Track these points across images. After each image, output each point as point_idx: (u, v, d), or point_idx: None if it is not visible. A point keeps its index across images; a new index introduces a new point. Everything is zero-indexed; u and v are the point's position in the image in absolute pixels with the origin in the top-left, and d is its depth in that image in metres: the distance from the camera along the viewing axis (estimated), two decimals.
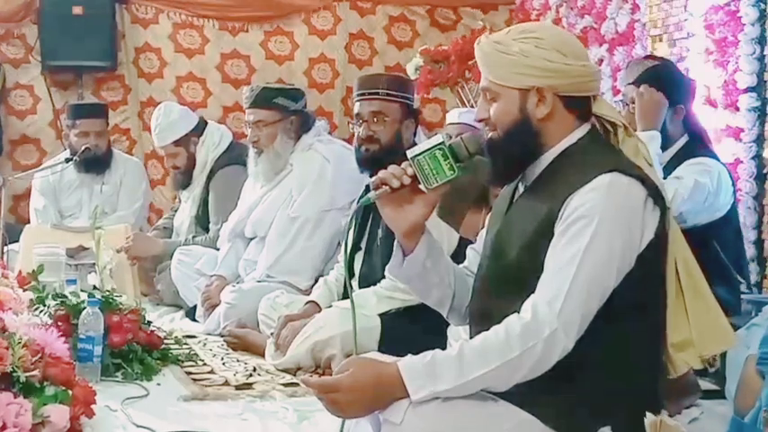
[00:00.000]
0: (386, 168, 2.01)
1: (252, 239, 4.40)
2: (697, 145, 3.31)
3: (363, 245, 3.66)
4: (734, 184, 3.35)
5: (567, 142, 1.99)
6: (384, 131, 3.60)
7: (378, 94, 3.61)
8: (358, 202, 3.68)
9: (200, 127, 4.96)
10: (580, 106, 2.00)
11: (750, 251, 4.09)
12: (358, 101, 3.67)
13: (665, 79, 3.31)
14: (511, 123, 1.98)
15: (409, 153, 1.99)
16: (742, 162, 4.15)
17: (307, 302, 3.75)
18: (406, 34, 6.81)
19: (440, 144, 1.97)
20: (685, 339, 1.96)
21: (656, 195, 1.91)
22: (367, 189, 3.52)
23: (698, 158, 3.21)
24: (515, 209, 2.04)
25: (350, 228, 2.04)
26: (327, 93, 6.69)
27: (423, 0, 6.80)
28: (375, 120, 3.60)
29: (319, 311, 3.62)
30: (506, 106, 1.98)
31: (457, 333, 2.89)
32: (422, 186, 1.98)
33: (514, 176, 2.07)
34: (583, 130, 2.00)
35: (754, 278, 4.09)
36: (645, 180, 1.90)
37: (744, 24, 4.13)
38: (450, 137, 2.09)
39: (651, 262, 1.91)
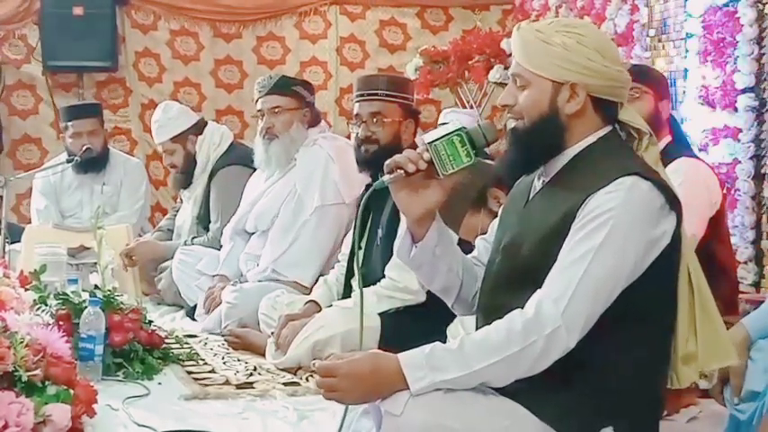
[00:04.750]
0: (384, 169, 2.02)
1: (252, 234, 4.42)
2: (679, 146, 3.33)
3: (363, 245, 3.66)
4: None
5: (588, 141, 1.98)
6: (383, 132, 3.60)
7: (377, 94, 3.61)
8: (362, 195, 3.69)
9: (200, 126, 4.97)
10: (607, 110, 1.99)
11: (748, 251, 4.10)
12: (357, 101, 3.67)
13: (649, 74, 3.36)
14: (539, 114, 1.97)
15: (426, 138, 1.98)
16: (740, 162, 4.16)
17: (307, 302, 3.76)
18: (398, 37, 6.83)
19: (458, 130, 1.96)
20: (691, 353, 1.97)
21: (672, 202, 1.91)
22: (368, 187, 3.53)
23: (677, 162, 3.21)
24: (532, 206, 2.04)
25: (359, 214, 2.02)
26: (320, 94, 6.71)
27: (413, 2, 6.81)
28: (374, 120, 3.60)
29: (319, 311, 3.63)
30: (537, 96, 1.97)
31: (457, 332, 2.91)
32: (437, 172, 1.97)
33: (532, 170, 2.06)
34: (604, 130, 2.00)
35: (751, 278, 4.10)
36: (663, 186, 1.91)
37: (742, 25, 4.14)
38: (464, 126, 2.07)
39: (665, 268, 1.92)
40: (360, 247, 3.66)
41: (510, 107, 2.01)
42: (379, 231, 3.57)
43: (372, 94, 3.61)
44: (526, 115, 1.99)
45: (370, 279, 3.53)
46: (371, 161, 3.56)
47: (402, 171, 1.97)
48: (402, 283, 3.40)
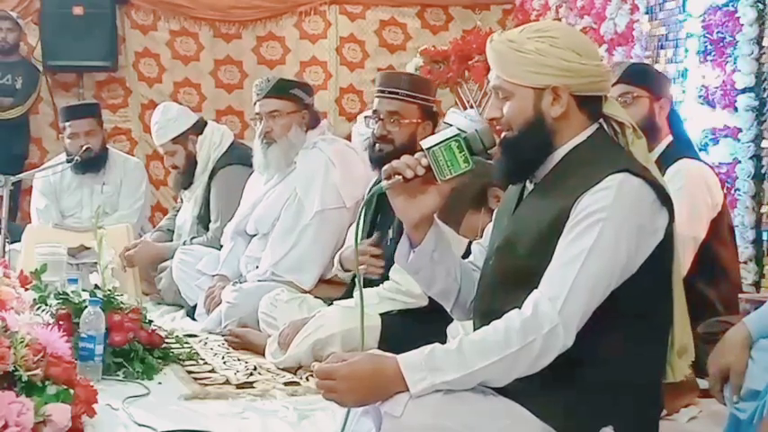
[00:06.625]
0: None
1: (253, 236, 4.42)
2: (680, 146, 3.31)
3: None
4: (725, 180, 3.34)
5: (576, 140, 1.99)
6: (399, 132, 3.58)
7: (398, 93, 3.58)
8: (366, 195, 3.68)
9: (200, 126, 4.97)
10: (592, 106, 2.01)
11: (748, 251, 4.10)
12: (378, 97, 3.65)
13: (644, 75, 3.32)
14: (526, 122, 1.98)
15: (424, 144, 1.98)
16: (740, 162, 4.16)
17: None
18: (398, 37, 6.85)
19: (455, 136, 1.97)
20: (684, 345, 1.99)
21: (663, 198, 1.92)
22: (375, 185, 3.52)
23: (678, 163, 3.19)
24: (524, 207, 2.04)
25: (361, 218, 2.02)
26: (320, 94, 6.72)
27: (413, 2, 6.82)
28: (392, 120, 3.58)
29: None
30: (521, 105, 1.98)
31: (457, 332, 2.90)
32: (436, 178, 1.98)
33: (527, 176, 2.06)
34: (592, 128, 2.01)
35: (751, 278, 4.10)
36: (654, 182, 1.92)
37: (742, 25, 4.15)
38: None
39: (660, 264, 1.93)
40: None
41: (497, 119, 2.02)
42: (390, 232, 3.56)
43: (393, 92, 3.59)
44: (514, 125, 2.00)
45: (372, 281, 3.51)
46: (385, 160, 3.52)
47: (400, 177, 1.98)
48: (405, 286, 3.40)
